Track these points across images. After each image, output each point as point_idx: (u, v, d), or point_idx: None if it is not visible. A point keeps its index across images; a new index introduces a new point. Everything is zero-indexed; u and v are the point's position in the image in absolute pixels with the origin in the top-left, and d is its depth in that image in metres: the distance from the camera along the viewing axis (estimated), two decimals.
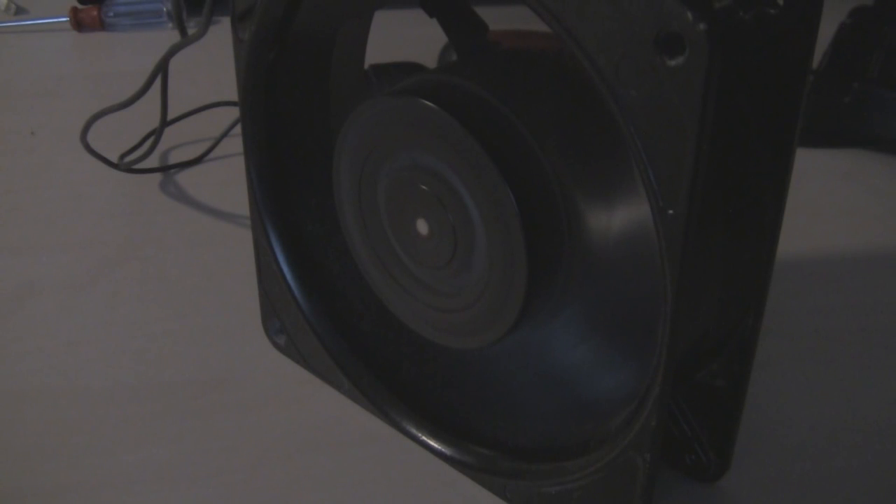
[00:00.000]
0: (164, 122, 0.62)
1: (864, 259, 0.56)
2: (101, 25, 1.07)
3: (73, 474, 0.37)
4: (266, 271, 0.42)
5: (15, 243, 0.56)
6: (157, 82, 0.57)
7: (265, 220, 0.41)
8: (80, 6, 1.07)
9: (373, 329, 0.41)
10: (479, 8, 0.38)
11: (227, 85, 0.55)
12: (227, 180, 0.65)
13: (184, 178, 0.66)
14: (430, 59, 0.69)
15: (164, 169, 0.67)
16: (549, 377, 0.37)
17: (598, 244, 0.32)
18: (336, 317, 0.41)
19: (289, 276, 0.41)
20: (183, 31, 0.51)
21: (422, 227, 0.34)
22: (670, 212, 0.25)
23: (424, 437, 0.38)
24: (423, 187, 0.33)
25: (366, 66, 0.44)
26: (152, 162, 0.66)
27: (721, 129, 0.24)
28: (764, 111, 0.30)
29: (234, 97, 0.40)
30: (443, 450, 0.37)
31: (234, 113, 0.63)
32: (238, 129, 0.50)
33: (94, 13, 1.06)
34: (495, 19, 0.41)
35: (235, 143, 0.68)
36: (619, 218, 0.32)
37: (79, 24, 1.06)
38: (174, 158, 0.69)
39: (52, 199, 0.62)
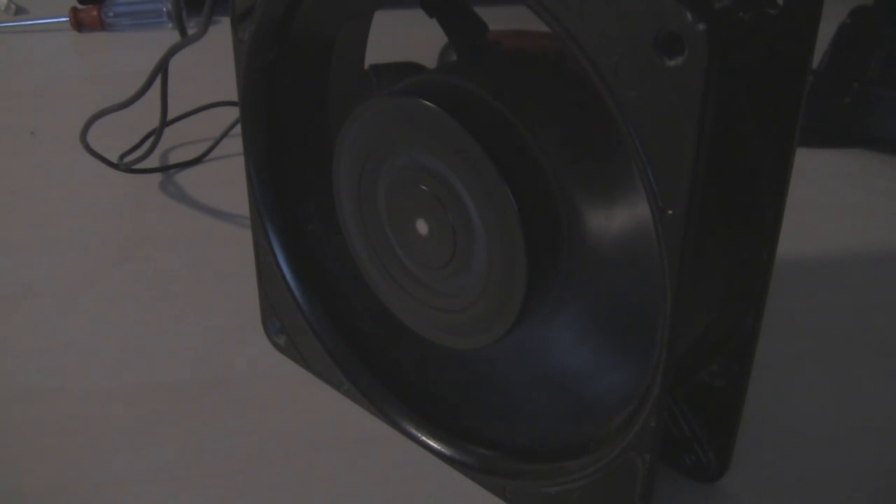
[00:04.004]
0: (164, 122, 0.62)
1: (864, 259, 0.56)
2: (101, 25, 1.07)
3: (73, 474, 0.37)
4: (266, 271, 0.42)
5: (15, 243, 0.56)
6: (157, 82, 0.57)
7: (265, 220, 0.41)
8: (80, 6, 1.07)
9: (372, 329, 0.41)
10: (479, 8, 0.38)
11: (227, 85, 0.55)
12: (227, 180, 0.65)
13: (184, 178, 0.66)
14: (430, 59, 0.69)
15: (164, 169, 0.67)
16: (548, 377, 0.37)
17: (598, 244, 0.32)
18: (336, 317, 0.41)
19: (289, 276, 0.41)
20: (183, 31, 0.51)
21: (421, 227, 0.34)
22: (670, 212, 0.25)
23: (424, 438, 0.38)
24: (423, 187, 0.33)
25: (366, 66, 0.44)
26: (152, 162, 0.66)
27: (720, 130, 0.24)
28: (764, 111, 0.30)
29: (234, 97, 0.40)
30: (443, 450, 0.37)
31: (234, 113, 0.63)
32: (238, 129, 0.50)
33: (94, 13, 1.06)
34: (495, 19, 0.41)
35: (235, 143, 0.68)
36: (619, 218, 0.32)
37: (79, 24, 1.06)
38: (174, 158, 0.69)
39: (52, 199, 0.62)
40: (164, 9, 1.08)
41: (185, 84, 0.71)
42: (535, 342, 0.37)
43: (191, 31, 0.47)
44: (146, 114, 0.63)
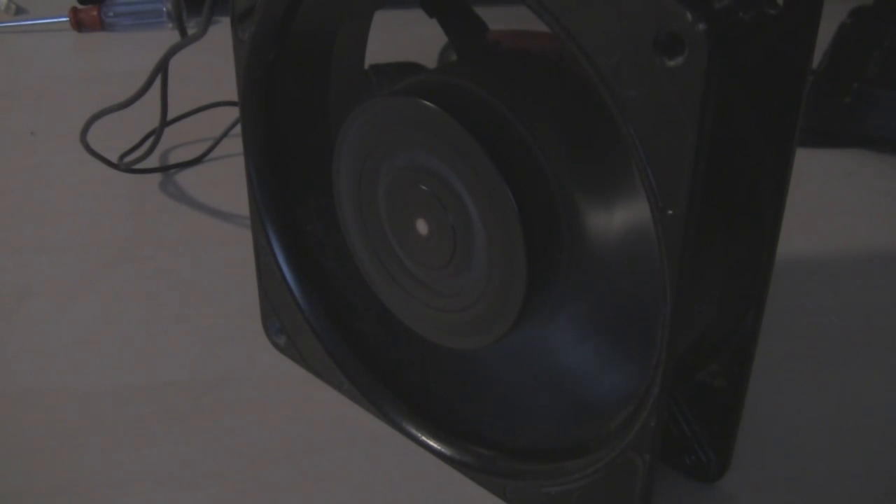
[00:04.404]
0: (164, 122, 0.62)
1: (864, 259, 0.56)
2: (101, 25, 1.06)
3: (73, 474, 0.37)
4: (266, 271, 0.42)
5: (15, 243, 0.56)
6: (157, 82, 0.57)
7: (265, 220, 0.41)
8: (80, 6, 1.07)
9: (372, 329, 0.41)
10: (479, 8, 0.38)
11: (227, 85, 0.55)
12: (227, 180, 0.65)
13: (184, 178, 0.66)
14: (430, 59, 0.69)
15: (164, 169, 0.67)
16: (548, 377, 0.37)
17: (598, 244, 0.32)
18: (336, 317, 0.41)
19: (289, 276, 0.41)
20: (183, 31, 0.51)
21: (421, 227, 0.34)
22: (670, 212, 0.25)
23: (424, 438, 0.38)
24: (423, 187, 0.33)
25: (366, 66, 0.44)
26: (152, 162, 0.66)
27: (720, 130, 0.24)
28: (764, 111, 0.30)
29: (234, 97, 0.40)
30: (443, 450, 0.37)
31: (234, 113, 0.63)
32: (238, 129, 0.50)
33: (94, 13, 1.06)
34: (495, 19, 0.41)
35: (235, 143, 0.68)
36: (619, 218, 0.32)
37: (79, 24, 1.06)
38: (174, 158, 0.69)
39: (52, 199, 0.62)
40: (164, 9, 1.08)
41: (185, 84, 0.71)
42: (536, 342, 0.37)
43: (191, 31, 0.47)
44: (146, 114, 0.63)
